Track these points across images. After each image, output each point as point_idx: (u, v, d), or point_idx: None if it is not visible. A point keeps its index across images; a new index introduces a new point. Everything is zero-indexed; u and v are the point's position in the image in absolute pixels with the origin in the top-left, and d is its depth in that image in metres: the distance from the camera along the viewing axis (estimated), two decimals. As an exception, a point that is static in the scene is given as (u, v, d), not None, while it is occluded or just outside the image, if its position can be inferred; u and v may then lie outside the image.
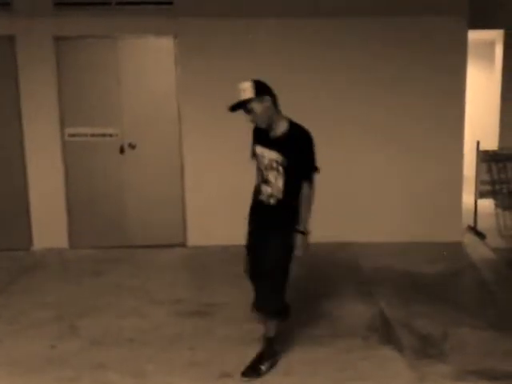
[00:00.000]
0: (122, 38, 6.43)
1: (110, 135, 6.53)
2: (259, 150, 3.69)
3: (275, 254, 3.58)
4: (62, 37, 6.36)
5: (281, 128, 3.61)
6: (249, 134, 6.47)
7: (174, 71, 6.47)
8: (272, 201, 3.63)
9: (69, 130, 6.52)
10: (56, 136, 6.50)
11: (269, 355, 3.76)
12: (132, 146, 6.57)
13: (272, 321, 3.77)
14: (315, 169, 3.59)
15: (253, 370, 3.65)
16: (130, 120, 6.54)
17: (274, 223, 3.64)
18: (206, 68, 6.44)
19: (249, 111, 3.57)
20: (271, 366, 3.72)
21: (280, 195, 3.59)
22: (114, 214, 6.68)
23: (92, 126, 6.52)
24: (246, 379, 3.60)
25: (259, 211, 3.76)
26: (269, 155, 3.60)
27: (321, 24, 6.38)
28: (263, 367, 3.68)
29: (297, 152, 3.53)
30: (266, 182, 3.65)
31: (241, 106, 3.56)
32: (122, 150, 6.56)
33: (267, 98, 3.56)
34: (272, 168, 3.59)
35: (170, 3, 6.32)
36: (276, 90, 6.26)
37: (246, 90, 3.52)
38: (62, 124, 6.50)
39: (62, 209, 6.62)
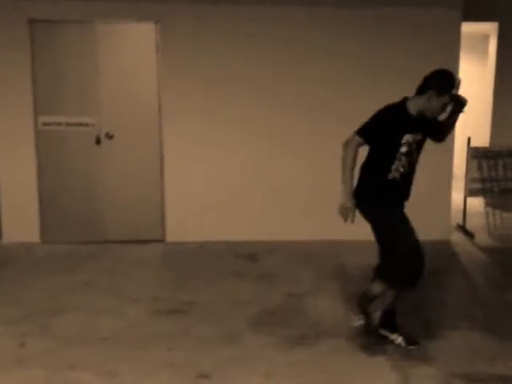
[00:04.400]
0: (101, 22, 6.17)
1: (86, 125, 6.28)
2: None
3: None
4: (38, 20, 6.08)
5: None
6: (233, 125, 6.38)
7: (155, 58, 6.23)
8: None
9: (43, 119, 6.26)
10: (29, 124, 6.23)
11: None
12: (109, 137, 6.32)
13: None
14: None
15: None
16: (107, 109, 6.29)
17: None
18: (189, 55, 6.23)
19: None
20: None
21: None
22: (89, 208, 6.44)
23: (67, 114, 6.26)
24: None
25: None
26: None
27: (311, 13, 6.20)
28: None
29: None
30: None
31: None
32: (98, 141, 6.31)
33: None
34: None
35: (152, -13, 6.09)
36: (264, 78, 6.19)
37: None
38: (36, 112, 6.24)
39: (33, 201, 6.35)
